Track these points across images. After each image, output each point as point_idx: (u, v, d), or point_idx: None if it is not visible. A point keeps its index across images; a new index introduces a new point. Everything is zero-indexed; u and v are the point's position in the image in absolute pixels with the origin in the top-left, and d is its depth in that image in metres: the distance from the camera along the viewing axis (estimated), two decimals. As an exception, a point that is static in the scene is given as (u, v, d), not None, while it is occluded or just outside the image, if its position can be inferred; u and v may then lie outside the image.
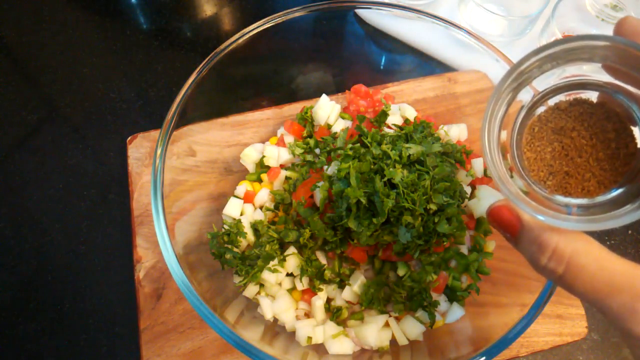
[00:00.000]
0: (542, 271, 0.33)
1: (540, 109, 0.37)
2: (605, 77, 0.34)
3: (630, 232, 0.78)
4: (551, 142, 0.36)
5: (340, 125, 0.73)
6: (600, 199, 0.34)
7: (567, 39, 0.31)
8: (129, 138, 0.79)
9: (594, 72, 0.34)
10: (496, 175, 0.34)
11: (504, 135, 0.37)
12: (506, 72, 0.34)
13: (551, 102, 0.36)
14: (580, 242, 0.31)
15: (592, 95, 0.35)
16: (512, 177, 0.36)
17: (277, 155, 0.72)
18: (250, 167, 0.74)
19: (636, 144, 0.33)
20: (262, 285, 0.65)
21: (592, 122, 0.35)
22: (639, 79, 0.32)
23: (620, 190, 0.34)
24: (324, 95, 0.74)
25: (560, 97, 0.36)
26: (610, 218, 0.30)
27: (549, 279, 0.33)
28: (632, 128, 0.34)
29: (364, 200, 0.56)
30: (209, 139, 0.72)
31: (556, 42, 0.31)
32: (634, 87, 0.33)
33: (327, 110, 0.73)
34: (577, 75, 0.35)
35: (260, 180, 0.72)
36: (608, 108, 0.34)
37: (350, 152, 0.61)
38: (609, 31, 0.86)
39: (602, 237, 0.78)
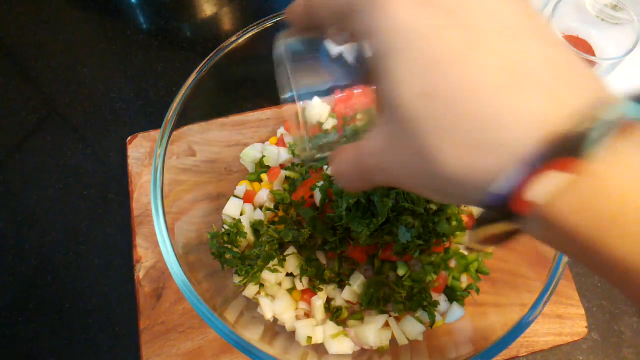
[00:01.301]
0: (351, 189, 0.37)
1: None
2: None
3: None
4: None
5: (340, 125, 0.73)
6: None
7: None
8: (129, 138, 0.79)
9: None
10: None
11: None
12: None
13: None
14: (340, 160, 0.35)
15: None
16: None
17: (277, 155, 0.72)
18: (250, 167, 0.74)
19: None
20: (262, 285, 0.65)
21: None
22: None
23: None
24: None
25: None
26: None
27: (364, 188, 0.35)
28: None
29: (364, 200, 0.56)
30: (209, 139, 0.72)
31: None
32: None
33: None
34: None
35: (260, 180, 0.72)
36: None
37: (350, 152, 0.61)
38: (609, 30, 0.85)
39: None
